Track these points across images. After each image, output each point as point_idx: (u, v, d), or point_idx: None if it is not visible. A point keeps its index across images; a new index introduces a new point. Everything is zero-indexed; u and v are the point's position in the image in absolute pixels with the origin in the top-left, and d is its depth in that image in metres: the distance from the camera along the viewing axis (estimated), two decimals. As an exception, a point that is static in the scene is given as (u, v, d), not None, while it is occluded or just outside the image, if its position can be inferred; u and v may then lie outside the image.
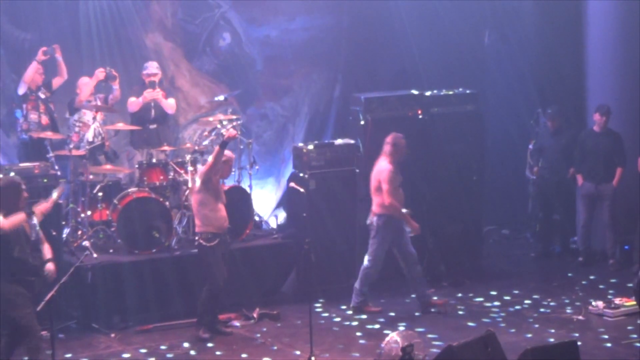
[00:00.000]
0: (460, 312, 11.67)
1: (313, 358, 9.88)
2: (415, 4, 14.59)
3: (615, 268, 13.14)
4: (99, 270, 11.34)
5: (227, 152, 10.88)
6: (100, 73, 12.49)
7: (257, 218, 12.89)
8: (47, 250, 9.48)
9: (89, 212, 11.96)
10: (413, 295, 11.76)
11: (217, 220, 10.80)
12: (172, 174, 12.21)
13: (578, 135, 13.54)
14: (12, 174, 10.81)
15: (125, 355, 10.52)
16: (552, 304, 11.84)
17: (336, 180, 12.57)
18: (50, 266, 9.40)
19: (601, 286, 12.49)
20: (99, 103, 12.60)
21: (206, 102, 14.22)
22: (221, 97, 13.20)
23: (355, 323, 11.37)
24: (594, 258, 13.45)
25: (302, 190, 11.57)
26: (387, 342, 9.01)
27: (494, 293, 12.28)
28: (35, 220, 9.45)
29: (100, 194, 12.05)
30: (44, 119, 12.51)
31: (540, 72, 14.79)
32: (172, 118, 13.33)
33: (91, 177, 12.12)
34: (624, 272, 12.85)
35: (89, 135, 12.45)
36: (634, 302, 11.02)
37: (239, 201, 12.04)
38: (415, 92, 13.23)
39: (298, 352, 10.44)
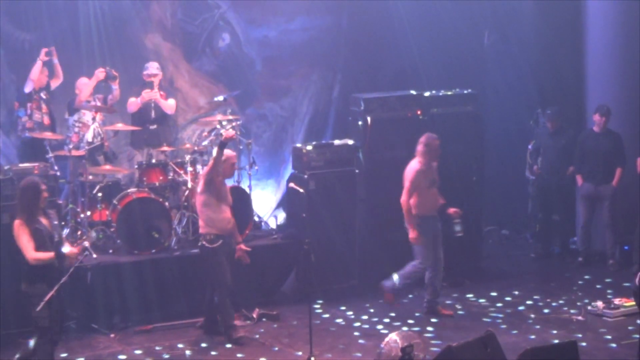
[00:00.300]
0: (460, 313, 11.66)
1: (313, 358, 9.88)
2: (415, 4, 14.58)
3: (615, 268, 13.14)
4: (99, 271, 11.34)
5: (226, 152, 10.87)
6: (100, 73, 12.49)
7: (256, 218, 12.89)
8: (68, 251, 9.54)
9: (88, 213, 11.95)
10: (425, 299, 11.64)
11: (220, 222, 10.78)
12: (171, 174, 12.21)
13: (578, 136, 13.55)
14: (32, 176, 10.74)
15: (125, 356, 10.50)
16: (552, 304, 11.84)
17: (336, 180, 12.55)
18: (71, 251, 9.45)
19: (600, 286, 12.50)
20: (98, 103, 12.60)
21: (205, 103, 14.21)
22: (220, 98, 13.17)
23: (355, 323, 11.36)
24: (594, 258, 13.45)
25: (301, 190, 11.56)
26: (386, 343, 8.99)
27: (493, 293, 12.27)
28: (56, 221, 9.57)
29: (99, 194, 12.05)
30: (46, 120, 12.54)
31: (540, 73, 14.79)
32: (172, 118, 13.33)
33: (90, 177, 12.12)
34: (623, 273, 12.84)
35: (89, 136, 12.45)
36: (634, 303, 11.01)
37: (239, 202, 12.01)
38: (414, 92, 13.23)
39: (298, 353, 10.42)
